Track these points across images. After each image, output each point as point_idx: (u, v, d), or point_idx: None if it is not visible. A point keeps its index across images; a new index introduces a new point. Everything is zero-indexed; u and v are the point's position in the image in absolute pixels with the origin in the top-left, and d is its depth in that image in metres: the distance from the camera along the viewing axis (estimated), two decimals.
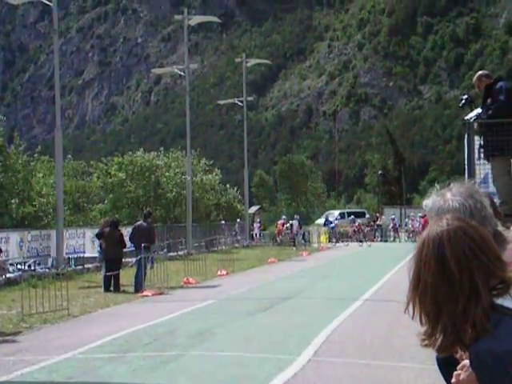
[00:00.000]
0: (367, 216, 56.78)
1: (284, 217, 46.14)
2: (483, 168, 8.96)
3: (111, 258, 18.39)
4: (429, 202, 2.12)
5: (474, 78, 8.87)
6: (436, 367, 2.10)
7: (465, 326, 1.71)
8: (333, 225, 46.75)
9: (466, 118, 8.64)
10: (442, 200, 2.08)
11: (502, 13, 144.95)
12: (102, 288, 18.16)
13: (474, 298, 1.69)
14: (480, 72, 9.22)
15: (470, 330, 1.70)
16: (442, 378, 1.95)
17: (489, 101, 8.72)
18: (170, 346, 10.34)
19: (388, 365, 9.16)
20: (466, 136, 8.86)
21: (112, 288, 18.10)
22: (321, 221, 52.27)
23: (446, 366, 2.05)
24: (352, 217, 51.40)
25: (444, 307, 1.72)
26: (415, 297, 1.79)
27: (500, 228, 2.20)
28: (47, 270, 19.54)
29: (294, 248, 38.82)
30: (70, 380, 8.38)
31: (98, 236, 19.41)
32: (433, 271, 1.71)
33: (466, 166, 8.70)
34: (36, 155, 29.08)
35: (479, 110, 8.62)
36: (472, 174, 8.45)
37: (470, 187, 2.15)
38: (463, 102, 9.14)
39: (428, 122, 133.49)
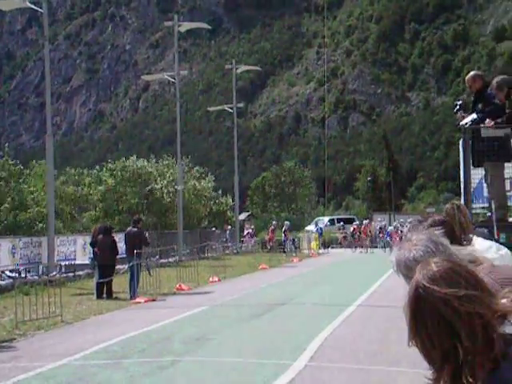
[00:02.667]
0: (356, 222, 56.90)
1: (274, 222, 46.16)
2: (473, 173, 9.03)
3: (104, 265, 18.34)
4: (393, 258, 2.15)
5: (469, 77, 8.87)
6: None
7: (480, 360, 1.66)
8: (318, 229, 46.84)
9: (461, 123, 8.70)
10: (405, 252, 2.10)
11: (489, 19, 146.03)
12: (95, 295, 18.09)
13: (485, 332, 1.64)
14: (474, 72, 9.21)
15: (486, 364, 1.66)
16: None
17: (479, 106, 8.77)
18: (166, 352, 10.32)
19: (385, 370, 9.18)
20: (461, 141, 8.92)
21: (105, 295, 18.04)
22: (311, 227, 52.33)
23: None
24: (341, 223, 51.51)
25: (451, 351, 1.66)
26: (418, 347, 1.76)
27: (467, 257, 2.23)
28: (37, 278, 19.43)
29: (284, 254, 38.83)
30: None
31: (92, 245, 19.35)
32: (435, 319, 1.67)
33: (462, 172, 8.76)
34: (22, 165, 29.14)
35: (474, 116, 8.68)
36: (468, 179, 8.51)
37: (427, 232, 2.19)
38: (457, 107, 9.20)
39: (416, 129, 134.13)
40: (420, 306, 1.71)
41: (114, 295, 18.31)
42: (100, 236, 18.71)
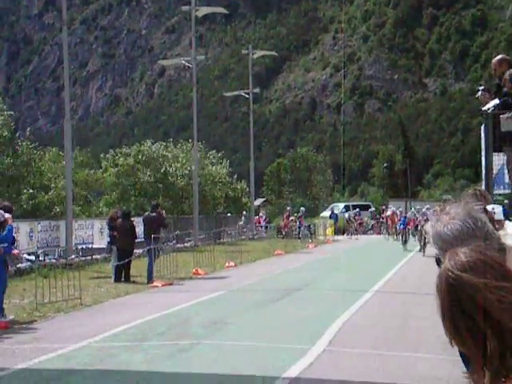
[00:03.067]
0: (372, 209, 56.75)
1: (288, 208, 46.12)
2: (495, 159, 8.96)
3: (122, 249, 18.49)
4: (429, 228, 2.11)
5: (495, 61, 8.75)
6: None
7: None
8: (350, 214, 46.49)
9: (483, 108, 8.64)
10: (441, 225, 2.06)
11: (508, 5, 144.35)
12: (113, 278, 18.22)
13: None
14: (500, 56, 9.08)
15: None
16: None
17: (505, 90, 8.69)
18: (185, 335, 10.39)
19: (402, 355, 9.19)
20: (483, 127, 8.86)
21: (123, 278, 18.18)
22: (326, 213, 52.25)
23: None
24: (357, 209, 51.35)
25: (487, 340, 1.65)
26: (455, 339, 1.75)
27: (502, 239, 2.19)
28: (54, 261, 19.60)
29: (299, 240, 38.83)
30: (89, 367, 8.44)
31: (111, 229, 19.52)
32: (469, 307, 1.66)
33: (484, 157, 8.70)
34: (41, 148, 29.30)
35: (496, 101, 8.60)
36: (489, 165, 8.45)
37: (467, 206, 2.13)
38: (479, 93, 9.12)
39: (433, 115, 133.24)
40: (453, 295, 1.69)
41: (132, 279, 18.43)
42: (119, 220, 18.86)
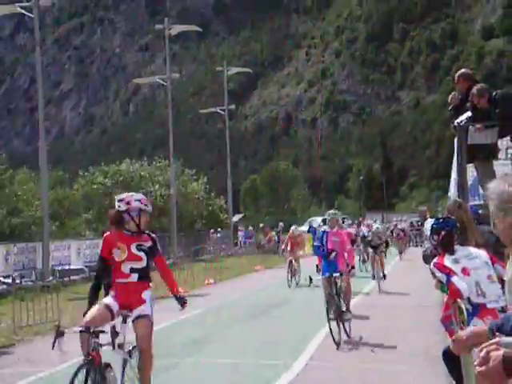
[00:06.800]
0: (349, 222, 56.85)
1: (261, 225, 46.07)
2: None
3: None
4: (492, 184, 2.16)
5: (458, 76, 8.90)
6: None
7: None
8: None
9: (457, 121, 8.76)
10: (505, 184, 2.12)
11: (477, 18, 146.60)
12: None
13: None
14: (462, 71, 9.22)
15: None
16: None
17: (468, 105, 8.83)
18: (166, 355, 10.32)
19: (385, 368, 9.22)
20: (456, 139, 8.97)
21: None
22: (304, 228, 52.23)
23: (452, 358, 2.11)
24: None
25: None
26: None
27: None
28: (31, 283, 19.39)
29: (278, 256, 38.77)
30: None
31: None
32: None
33: (457, 169, 8.81)
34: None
35: (469, 114, 8.72)
36: (463, 177, 8.56)
37: None
38: (452, 105, 9.24)
39: (406, 128, 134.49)
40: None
41: None
42: None
